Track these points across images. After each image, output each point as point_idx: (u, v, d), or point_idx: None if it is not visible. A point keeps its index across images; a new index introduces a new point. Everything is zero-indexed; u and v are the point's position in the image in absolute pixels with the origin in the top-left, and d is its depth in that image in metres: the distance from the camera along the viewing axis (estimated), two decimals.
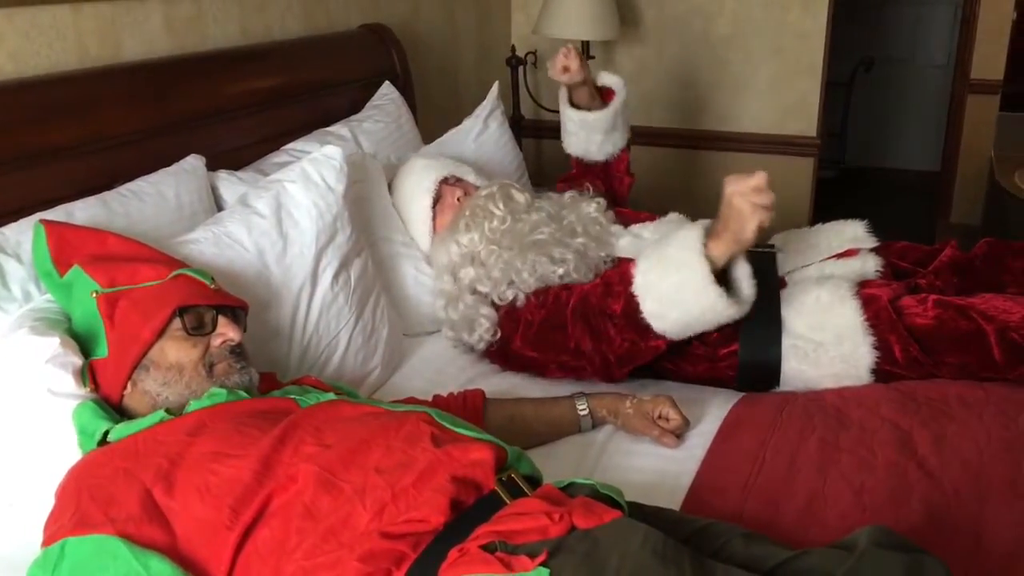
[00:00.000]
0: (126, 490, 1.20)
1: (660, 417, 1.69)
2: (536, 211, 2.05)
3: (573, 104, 2.39)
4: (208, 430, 1.27)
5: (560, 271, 1.93)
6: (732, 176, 1.66)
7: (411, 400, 1.62)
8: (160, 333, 1.37)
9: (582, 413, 1.72)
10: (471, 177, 2.22)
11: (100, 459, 1.27)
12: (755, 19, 3.33)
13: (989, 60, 4.49)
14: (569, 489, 1.24)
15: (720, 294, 1.68)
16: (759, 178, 1.62)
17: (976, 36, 4.49)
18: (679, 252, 1.72)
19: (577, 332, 1.84)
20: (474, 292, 1.98)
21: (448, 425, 1.31)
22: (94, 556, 1.15)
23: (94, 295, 1.39)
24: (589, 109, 2.37)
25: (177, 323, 1.39)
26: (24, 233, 1.55)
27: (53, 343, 1.36)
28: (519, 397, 1.80)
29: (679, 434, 1.69)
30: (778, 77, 3.37)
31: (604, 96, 2.40)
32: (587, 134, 2.40)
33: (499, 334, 1.94)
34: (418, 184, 2.17)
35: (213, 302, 1.44)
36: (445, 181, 2.17)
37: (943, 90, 5.48)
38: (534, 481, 1.28)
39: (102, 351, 1.38)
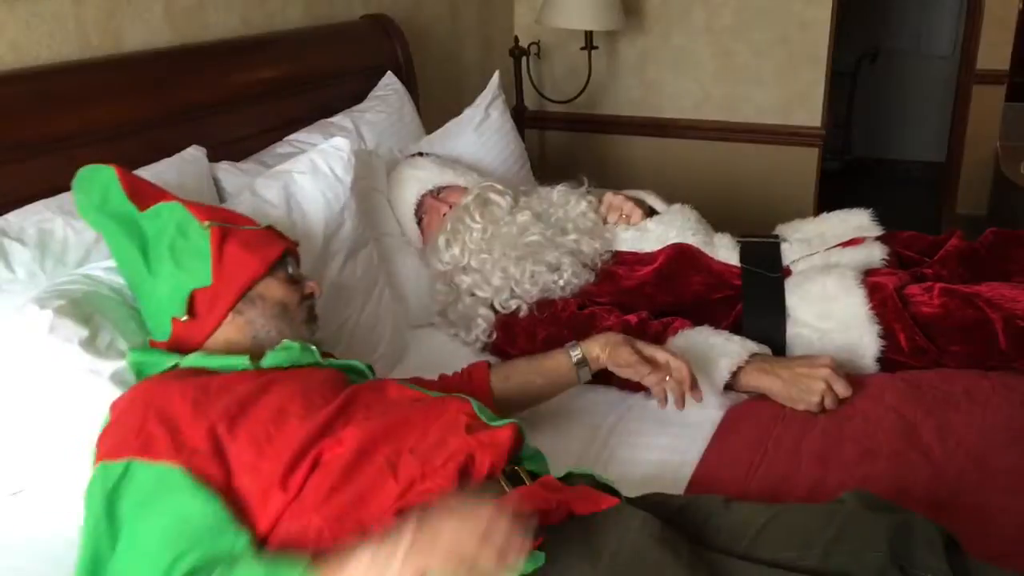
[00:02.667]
0: (194, 422, 1.20)
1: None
2: (520, 212, 2.03)
3: None
4: (278, 387, 1.29)
5: (561, 281, 1.93)
6: (833, 363, 1.67)
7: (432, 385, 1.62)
8: (269, 269, 1.44)
9: (575, 356, 1.64)
10: (460, 181, 2.19)
11: (172, 383, 1.27)
12: (759, 9, 3.31)
13: (995, 50, 4.47)
14: (567, 479, 1.25)
15: (721, 401, 1.71)
16: (848, 391, 1.64)
17: (982, 26, 4.46)
18: (713, 359, 1.72)
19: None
20: (472, 295, 1.98)
21: (484, 418, 1.32)
22: (155, 485, 1.15)
23: (207, 225, 1.42)
24: None
25: (282, 266, 1.48)
26: (27, 219, 1.56)
27: (51, 314, 1.34)
28: (513, 359, 1.76)
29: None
30: (782, 67, 3.35)
31: None
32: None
33: (495, 336, 1.94)
34: (401, 196, 2.18)
35: (298, 254, 1.54)
36: (430, 194, 2.16)
37: (948, 80, 5.46)
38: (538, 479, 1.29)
39: (204, 280, 1.39)
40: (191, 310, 1.40)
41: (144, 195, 1.48)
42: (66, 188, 1.64)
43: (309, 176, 1.83)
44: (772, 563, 1.08)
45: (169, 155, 1.84)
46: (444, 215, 2.09)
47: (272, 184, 1.81)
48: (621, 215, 2.13)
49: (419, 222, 2.16)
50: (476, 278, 1.97)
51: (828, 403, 1.64)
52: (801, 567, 1.06)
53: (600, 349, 1.64)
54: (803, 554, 1.09)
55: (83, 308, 1.38)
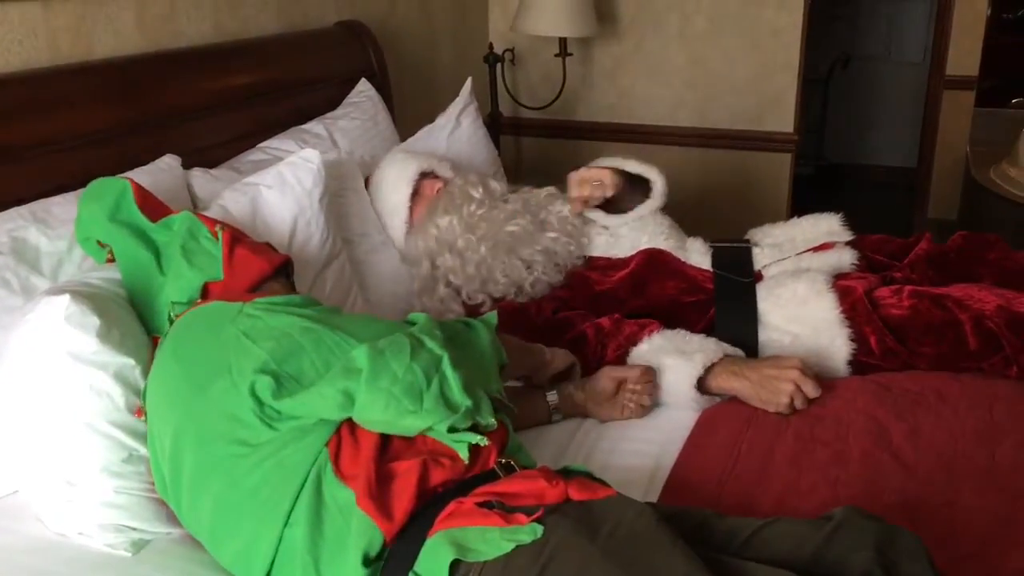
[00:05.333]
0: None
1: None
2: (513, 200, 2.07)
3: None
4: None
5: (531, 278, 1.95)
6: (802, 364, 1.67)
7: None
8: (275, 272, 1.51)
9: (551, 400, 1.72)
10: (449, 173, 2.21)
11: None
12: (732, 15, 3.34)
13: (964, 56, 4.53)
14: (563, 473, 1.27)
15: (697, 400, 1.72)
16: (817, 392, 1.65)
17: (951, 32, 4.53)
18: (686, 358, 1.72)
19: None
20: (448, 284, 1.99)
21: None
22: None
23: (219, 228, 1.51)
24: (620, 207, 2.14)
25: (284, 273, 1.55)
26: (0, 227, 1.54)
27: (68, 299, 1.33)
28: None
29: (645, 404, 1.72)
30: (755, 73, 3.38)
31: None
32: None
33: None
34: (399, 175, 2.16)
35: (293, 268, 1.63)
36: (426, 175, 2.17)
37: (919, 86, 5.52)
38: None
39: (216, 276, 1.47)
40: (204, 299, 1.45)
41: (154, 209, 1.55)
42: (38, 196, 1.64)
43: (276, 190, 1.83)
44: (762, 561, 1.09)
45: (141, 163, 1.83)
46: (438, 191, 2.11)
47: (239, 198, 1.81)
48: (592, 186, 2.05)
49: (411, 205, 2.15)
50: (456, 263, 1.99)
51: (798, 403, 1.65)
52: (790, 565, 1.08)
53: (576, 389, 1.73)
54: (792, 556, 1.11)
55: (96, 301, 1.38)
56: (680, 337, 1.78)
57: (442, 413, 1.20)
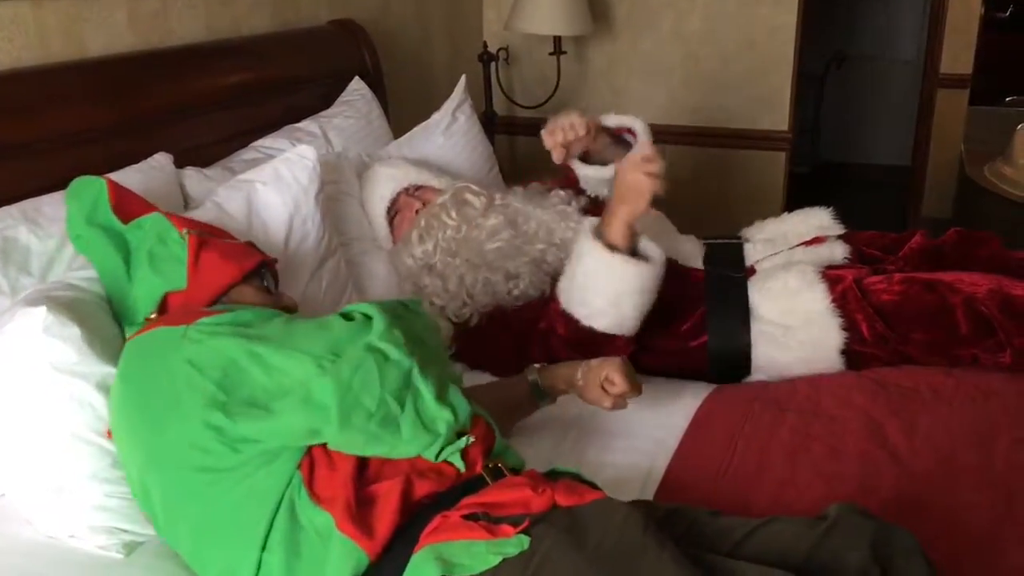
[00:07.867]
0: None
1: (606, 380, 1.57)
2: (494, 214, 2.00)
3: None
4: None
5: (516, 291, 1.92)
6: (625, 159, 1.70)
7: None
8: (244, 277, 1.46)
9: (531, 377, 1.67)
10: (435, 182, 2.18)
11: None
12: (727, 13, 3.34)
13: (958, 55, 4.53)
14: (551, 475, 1.27)
15: (623, 260, 1.69)
16: (646, 147, 1.67)
17: (945, 31, 4.53)
18: (575, 249, 1.75)
19: (541, 358, 1.78)
20: (432, 304, 1.97)
21: None
22: None
23: (186, 232, 1.45)
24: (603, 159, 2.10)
25: (257, 276, 1.49)
26: None
27: (44, 311, 1.32)
28: (474, 385, 1.72)
29: (627, 398, 1.58)
30: (750, 72, 3.37)
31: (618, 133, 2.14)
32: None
33: (453, 348, 1.94)
34: (375, 193, 2.16)
35: (276, 270, 1.57)
36: (405, 191, 2.15)
37: (914, 85, 5.52)
38: (518, 473, 1.29)
39: (179, 284, 1.42)
40: (162, 311, 1.41)
41: (128, 209, 1.51)
42: (28, 195, 1.64)
43: (272, 186, 1.82)
44: (756, 561, 1.09)
45: (134, 161, 1.82)
46: (417, 212, 2.08)
47: (234, 195, 1.80)
48: (563, 129, 1.96)
49: (391, 221, 2.14)
50: (437, 284, 1.96)
51: (655, 181, 1.67)
52: (785, 564, 1.07)
53: (564, 384, 1.65)
54: (787, 554, 1.10)
55: (76, 310, 1.37)
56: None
57: (423, 440, 1.19)
